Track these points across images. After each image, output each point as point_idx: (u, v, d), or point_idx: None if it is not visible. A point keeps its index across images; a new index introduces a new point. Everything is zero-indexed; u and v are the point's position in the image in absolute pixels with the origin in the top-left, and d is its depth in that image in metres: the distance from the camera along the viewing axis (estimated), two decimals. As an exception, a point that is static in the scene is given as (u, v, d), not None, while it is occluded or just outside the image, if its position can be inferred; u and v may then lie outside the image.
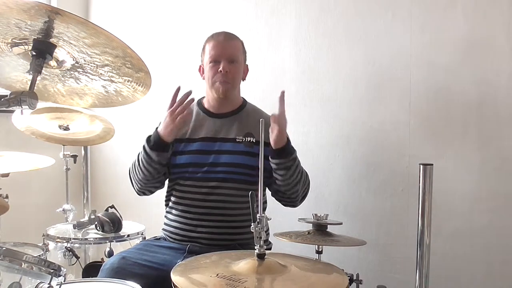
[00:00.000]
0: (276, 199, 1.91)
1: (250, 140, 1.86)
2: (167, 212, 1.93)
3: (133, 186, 1.93)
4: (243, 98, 1.99)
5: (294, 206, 1.89)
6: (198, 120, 1.91)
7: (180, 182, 1.87)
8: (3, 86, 1.40)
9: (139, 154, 1.83)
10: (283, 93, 1.72)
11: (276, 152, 1.74)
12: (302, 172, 1.82)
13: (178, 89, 1.75)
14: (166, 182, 1.94)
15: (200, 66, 1.94)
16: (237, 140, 1.85)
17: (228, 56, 1.83)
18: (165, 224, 1.92)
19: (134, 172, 1.86)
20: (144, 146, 1.80)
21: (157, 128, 1.79)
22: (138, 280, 1.45)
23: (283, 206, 1.91)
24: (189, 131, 1.89)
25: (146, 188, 1.89)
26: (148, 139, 1.79)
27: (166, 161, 1.81)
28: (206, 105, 1.94)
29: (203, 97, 1.97)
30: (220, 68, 1.82)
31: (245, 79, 1.95)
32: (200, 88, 1.97)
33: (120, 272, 1.59)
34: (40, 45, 1.17)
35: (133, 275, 1.55)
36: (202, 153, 1.85)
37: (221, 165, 1.83)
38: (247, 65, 1.95)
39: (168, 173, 1.91)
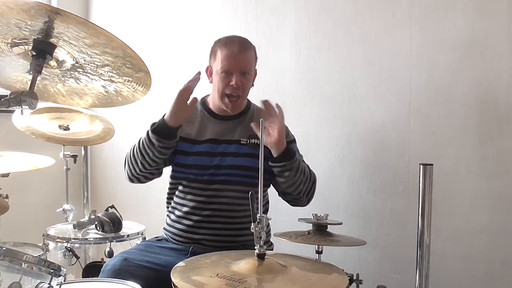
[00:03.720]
0: (284, 200, 1.90)
1: (254, 141, 1.85)
2: (169, 212, 1.91)
3: (126, 171, 1.87)
4: (247, 99, 1.96)
5: (301, 205, 1.88)
6: (203, 121, 1.89)
7: (183, 183, 1.86)
8: (3, 86, 1.39)
9: (140, 138, 1.79)
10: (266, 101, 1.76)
11: (277, 157, 1.74)
12: (304, 172, 1.81)
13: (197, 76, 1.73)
14: (169, 181, 1.92)
15: (208, 67, 1.88)
16: (242, 142, 1.84)
17: (241, 69, 1.78)
18: (168, 224, 1.91)
19: (131, 156, 1.81)
20: (147, 131, 1.76)
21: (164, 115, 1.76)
22: (140, 281, 1.44)
23: (290, 206, 1.90)
24: (195, 132, 1.87)
25: (140, 174, 1.84)
26: (153, 123, 1.76)
27: (166, 151, 1.77)
28: (211, 106, 1.91)
29: (208, 95, 1.94)
30: (233, 83, 1.77)
31: (253, 85, 1.90)
32: (201, 88, 1.96)
33: (122, 273, 1.58)
34: (40, 45, 1.17)
35: (135, 276, 1.53)
36: (207, 155, 1.84)
37: (225, 168, 1.82)
38: (255, 69, 1.90)
39: (172, 170, 1.89)
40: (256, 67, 1.90)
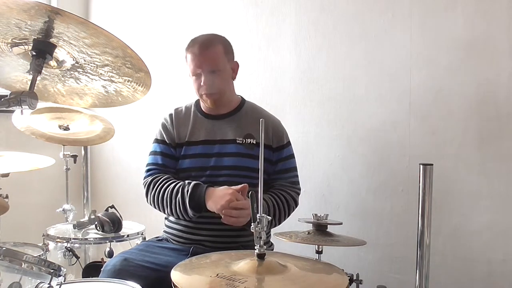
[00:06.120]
0: None
1: (250, 141, 1.84)
2: None
3: (149, 200, 1.86)
4: (240, 96, 1.96)
5: None
6: (196, 122, 1.89)
7: None
8: (3, 86, 1.40)
9: (168, 187, 1.77)
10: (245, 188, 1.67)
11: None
12: (276, 215, 1.78)
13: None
14: None
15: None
16: (238, 141, 1.83)
17: (207, 67, 1.79)
18: (167, 226, 1.91)
19: (159, 201, 1.80)
20: (184, 196, 1.73)
21: (206, 187, 1.71)
22: (140, 281, 1.43)
23: None
24: (188, 134, 1.87)
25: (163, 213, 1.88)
26: (192, 196, 1.71)
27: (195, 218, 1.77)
28: (203, 107, 1.92)
29: None
30: (202, 83, 1.80)
31: (235, 78, 1.90)
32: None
33: (122, 273, 1.58)
34: (40, 45, 1.17)
35: (135, 276, 1.53)
36: (203, 156, 1.84)
37: (223, 168, 1.81)
38: (236, 62, 1.89)
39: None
40: (235, 60, 1.89)
